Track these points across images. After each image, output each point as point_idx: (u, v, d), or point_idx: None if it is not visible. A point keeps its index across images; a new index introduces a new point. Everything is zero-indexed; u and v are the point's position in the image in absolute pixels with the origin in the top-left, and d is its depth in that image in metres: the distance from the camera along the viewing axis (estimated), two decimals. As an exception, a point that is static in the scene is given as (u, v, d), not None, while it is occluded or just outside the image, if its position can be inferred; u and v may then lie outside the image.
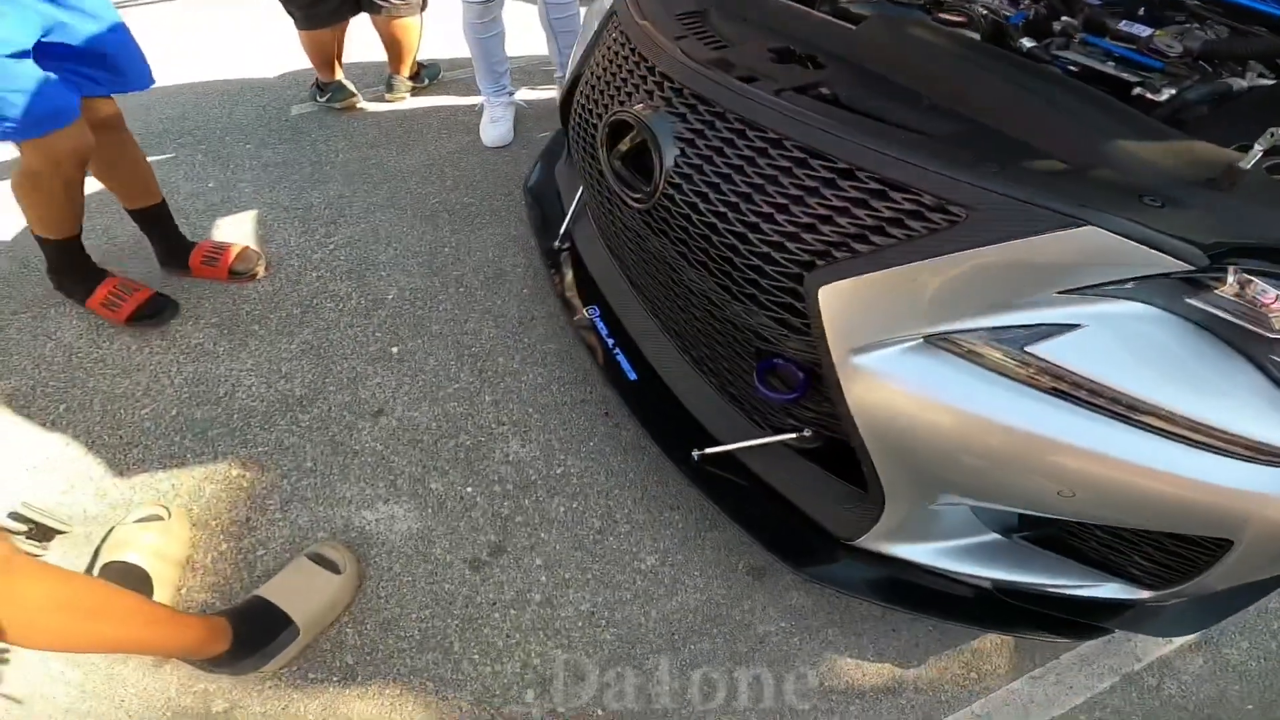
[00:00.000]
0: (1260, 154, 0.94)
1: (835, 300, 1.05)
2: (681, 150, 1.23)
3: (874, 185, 1.03)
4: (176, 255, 2.10)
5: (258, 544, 1.54)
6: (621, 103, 1.36)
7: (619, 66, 1.44)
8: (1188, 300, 0.95)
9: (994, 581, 1.30)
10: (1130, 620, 1.32)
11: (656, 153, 1.23)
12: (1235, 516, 0.96)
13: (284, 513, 1.59)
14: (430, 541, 1.56)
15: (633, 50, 1.41)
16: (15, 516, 1.48)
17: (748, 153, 1.15)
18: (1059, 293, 0.97)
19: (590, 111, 1.48)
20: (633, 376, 1.59)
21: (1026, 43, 1.39)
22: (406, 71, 3.10)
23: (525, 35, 3.17)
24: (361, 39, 3.11)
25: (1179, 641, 1.57)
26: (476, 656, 1.42)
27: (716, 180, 1.19)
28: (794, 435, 1.29)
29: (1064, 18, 1.49)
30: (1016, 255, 0.96)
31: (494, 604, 1.48)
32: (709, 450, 1.41)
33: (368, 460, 1.69)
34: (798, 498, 1.39)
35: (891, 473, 1.14)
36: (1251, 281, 0.91)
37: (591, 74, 1.51)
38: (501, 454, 1.71)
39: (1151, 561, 1.17)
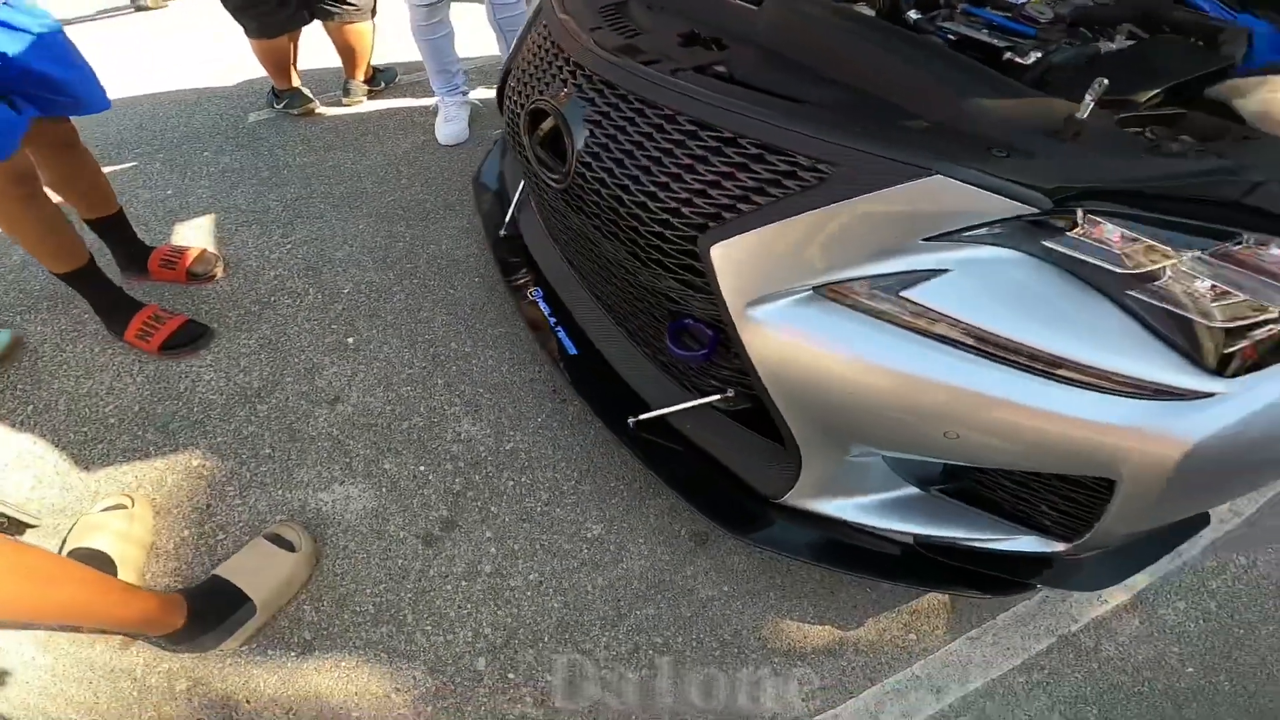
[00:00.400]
0: (1091, 104, 1.02)
1: (726, 257, 1.12)
2: (590, 132, 1.31)
3: (754, 150, 1.11)
4: (135, 260, 2.16)
5: (218, 528, 1.60)
6: (541, 92, 1.44)
7: (541, 58, 1.52)
8: (1043, 243, 1.02)
9: (915, 536, 1.36)
10: (1051, 576, 1.37)
11: (568, 135, 1.32)
12: (1109, 453, 1.02)
13: (243, 498, 1.66)
14: (384, 519, 1.63)
15: (552, 43, 1.50)
16: (-13, 511, 1.56)
17: (646, 129, 1.23)
18: (924, 240, 1.04)
19: (516, 102, 1.57)
20: (573, 351, 1.67)
21: (913, 15, 1.49)
22: (362, 76, 3.18)
23: (478, 35, 3.26)
24: (317, 45, 3.18)
25: (1114, 602, 1.62)
26: (429, 628, 1.48)
27: (620, 156, 1.27)
28: (718, 396, 1.37)
29: None
30: (877, 206, 1.03)
31: (446, 576, 1.55)
32: (643, 416, 1.48)
33: (324, 445, 1.76)
34: (728, 459, 1.47)
35: (799, 424, 1.21)
36: (1099, 223, 0.99)
37: (519, 66, 1.60)
38: (453, 433, 1.78)
39: (1057, 510, 1.23)
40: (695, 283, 1.20)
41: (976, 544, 1.32)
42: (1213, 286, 0.96)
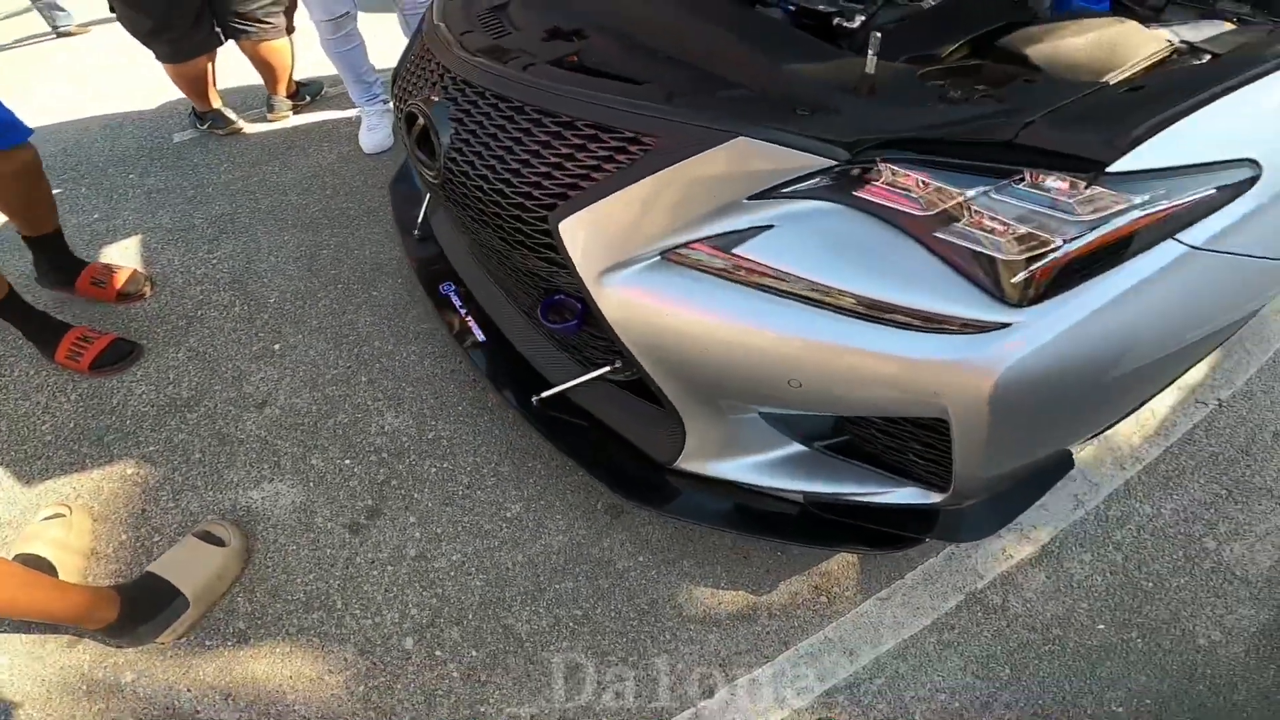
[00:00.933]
0: (874, 58, 1.15)
1: (575, 231, 1.23)
2: (455, 129, 1.43)
3: (589, 131, 1.23)
4: (63, 273, 2.24)
5: (153, 531, 1.71)
6: (416, 95, 1.57)
7: (418, 64, 1.65)
8: (854, 193, 1.11)
9: (805, 494, 1.44)
10: (937, 529, 1.44)
11: (435, 134, 1.43)
12: (930, 388, 1.10)
13: (176, 501, 1.76)
14: (312, 512, 1.74)
15: (426, 49, 1.62)
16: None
17: (500, 121, 1.35)
18: (748, 199, 1.14)
19: (398, 106, 1.69)
20: (482, 339, 1.79)
21: None
22: (285, 91, 3.27)
23: (398, 44, 3.30)
24: (242, 61, 3.21)
25: (1019, 556, 1.69)
26: (358, 611, 1.59)
27: (479, 148, 1.38)
28: (609, 368, 1.47)
29: None
30: (697, 171, 1.14)
31: (372, 562, 1.66)
32: (544, 394, 1.59)
33: (253, 447, 1.87)
34: (624, 429, 1.58)
35: (669, 385, 1.31)
36: (900, 171, 1.09)
37: (403, 73, 1.73)
38: (377, 427, 1.90)
39: (923, 459, 1.32)
40: (555, 259, 1.30)
41: (862, 498, 1.41)
42: (1002, 222, 1.05)
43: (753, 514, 1.51)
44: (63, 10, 4.62)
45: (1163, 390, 1.55)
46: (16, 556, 1.57)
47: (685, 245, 1.18)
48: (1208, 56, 1.30)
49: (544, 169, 1.28)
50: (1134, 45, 1.30)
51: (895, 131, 1.12)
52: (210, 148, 3.09)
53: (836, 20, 1.47)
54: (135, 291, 2.27)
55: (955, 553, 1.69)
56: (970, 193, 1.06)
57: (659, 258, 1.20)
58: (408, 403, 1.95)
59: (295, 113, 3.32)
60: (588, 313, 1.32)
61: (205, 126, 3.18)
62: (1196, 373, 2.14)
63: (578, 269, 1.24)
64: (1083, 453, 1.91)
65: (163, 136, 3.20)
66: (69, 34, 4.67)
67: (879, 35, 1.15)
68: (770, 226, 1.13)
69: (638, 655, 1.53)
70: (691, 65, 1.34)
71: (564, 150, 1.26)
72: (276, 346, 2.12)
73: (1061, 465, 1.50)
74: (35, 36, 4.39)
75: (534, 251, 1.35)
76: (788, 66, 1.27)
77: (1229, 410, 2.04)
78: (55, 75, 3.88)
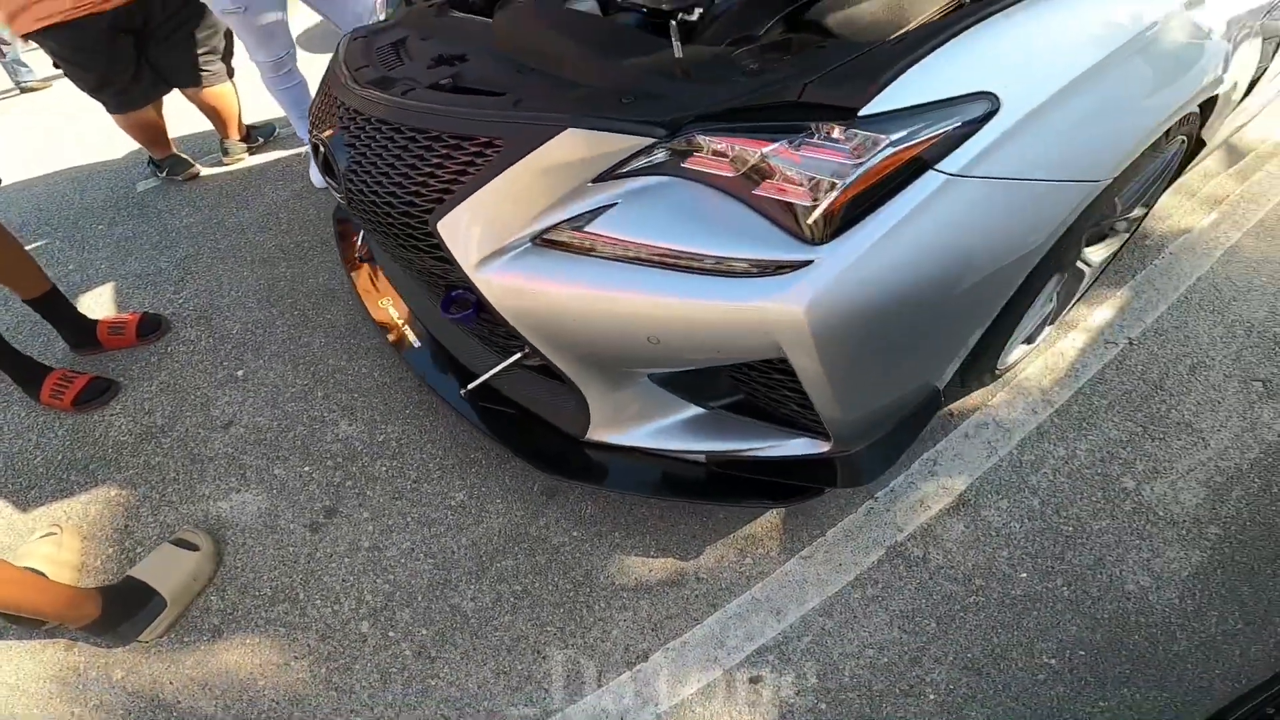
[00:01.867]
0: (679, 46, 1.36)
1: (453, 229, 1.41)
2: (349, 154, 1.64)
3: (453, 141, 1.43)
4: (83, 335, 2.47)
5: (135, 544, 1.96)
6: (319, 129, 1.80)
7: (322, 101, 1.89)
8: (682, 165, 1.28)
9: (706, 454, 1.60)
10: (834, 476, 1.57)
11: (333, 159, 1.66)
12: (760, 328, 1.24)
13: (155, 516, 2.01)
14: (275, 515, 1.98)
15: (325, 86, 1.89)
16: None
17: (383, 142, 1.56)
18: (592, 181, 1.31)
19: (310, 138, 1.94)
20: (417, 344, 2.02)
21: None
22: (236, 135, 3.56)
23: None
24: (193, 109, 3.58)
25: (936, 507, 1.78)
26: (319, 601, 1.81)
27: (369, 168, 1.58)
28: (519, 355, 1.64)
29: None
30: (540, 162, 1.32)
31: (330, 556, 1.88)
32: (470, 386, 1.79)
33: (221, 463, 2.12)
34: (541, 409, 1.76)
35: (561, 359, 1.48)
36: (713, 141, 1.25)
37: (313, 109, 1.97)
38: (333, 435, 2.15)
39: (798, 406, 1.45)
40: (443, 256, 1.47)
41: (760, 453, 1.55)
42: (797, 174, 1.19)
43: (667, 479, 1.66)
44: (25, 66, 4.92)
45: (991, 323, 1.61)
46: None
47: (547, 230, 1.35)
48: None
49: (420, 178, 1.48)
50: (923, 2, 1.47)
51: (705, 107, 1.28)
52: (172, 194, 3.39)
53: (680, 16, 1.63)
54: (153, 329, 2.51)
55: (874, 507, 1.81)
56: (766, 149, 1.22)
57: (530, 244, 1.38)
58: (360, 411, 2.19)
59: (250, 154, 3.62)
60: (480, 302, 1.48)
61: (164, 174, 3.46)
62: (1104, 313, 2.26)
63: (459, 263, 1.42)
64: (992, 400, 2.03)
65: (128, 186, 3.51)
66: (32, 89, 4.96)
67: (675, 24, 1.37)
68: (614, 204, 1.31)
69: (575, 624, 1.69)
70: (546, 73, 1.53)
71: (435, 160, 1.46)
72: (240, 373, 2.37)
73: (930, 403, 1.65)
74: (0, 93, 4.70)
75: (426, 252, 1.54)
76: (621, 63, 1.45)
77: (1140, 348, 2.15)
78: (20, 130, 4.19)
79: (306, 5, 3.01)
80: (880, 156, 1.19)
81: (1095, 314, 2.29)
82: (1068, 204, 1.45)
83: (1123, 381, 2.05)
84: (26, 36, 2.79)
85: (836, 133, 1.21)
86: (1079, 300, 2.29)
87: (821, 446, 1.51)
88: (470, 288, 1.46)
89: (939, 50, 1.25)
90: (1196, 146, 2.07)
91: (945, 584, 1.67)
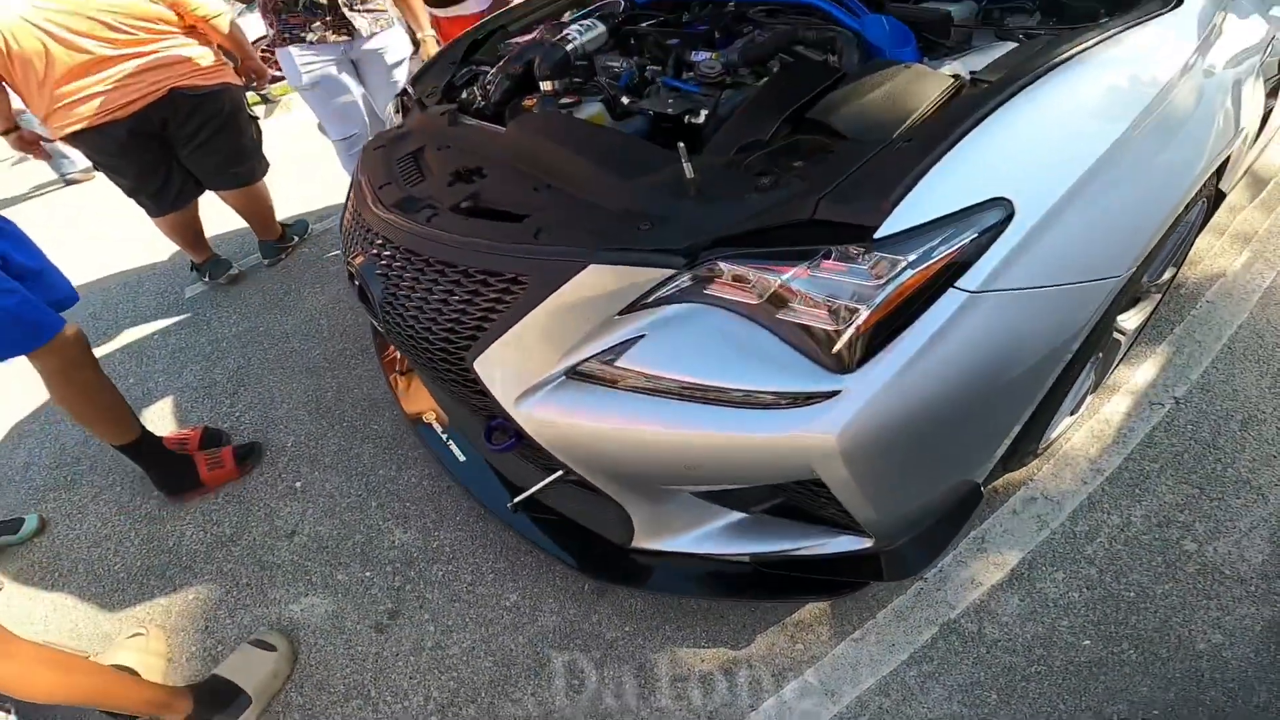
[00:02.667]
0: (690, 167, 1.42)
1: (488, 367, 1.51)
2: (383, 285, 1.76)
3: (480, 276, 1.54)
4: (185, 476, 2.71)
5: (216, 644, 2.29)
6: (351, 251, 1.96)
7: (351, 219, 2.06)
8: (705, 291, 1.35)
9: (752, 556, 1.67)
10: (879, 571, 1.65)
11: (368, 290, 1.78)
12: (796, 457, 1.32)
13: (232, 618, 2.35)
14: (342, 617, 2.29)
15: (353, 207, 2.05)
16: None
17: (414, 274, 1.68)
18: (618, 314, 1.40)
19: (345, 257, 2.06)
20: (462, 459, 2.28)
21: (625, 99, 2.00)
22: (274, 234, 3.99)
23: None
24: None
25: (989, 583, 1.87)
26: (389, 697, 2.07)
27: (404, 300, 1.69)
28: (560, 473, 1.75)
29: (651, 67, 2.13)
30: (566, 299, 1.41)
31: (396, 655, 2.17)
32: (516, 500, 1.96)
33: (288, 569, 2.47)
34: (586, 520, 1.89)
35: (602, 481, 1.59)
36: (732, 267, 1.33)
37: (344, 227, 2.16)
38: (389, 542, 2.48)
39: (838, 510, 1.48)
40: (482, 391, 1.57)
41: (803, 552, 1.63)
42: (819, 299, 1.27)
43: (712, 578, 1.77)
44: (67, 157, 5.38)
45: (1028, 416, 1.67)
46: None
47: (579, 364, 1.44)
48: (984, 86, 1.52)
49: (453, 314, 1.58)
50: (921, 90, 1.55)
51: (720, 230, 1.35)
52: (218, 300, 3.85)
53: (687, 119, 1.81)
54: (251, 455, 2.86)
55: (924, 587, 1.89)
56: (786, 276, 1.30)
57: (564, 378, 1.47)
58: (413, 519, 2.52)
59: (286, 255, 4.08)
60: (520, 433, 1.58)
61: (207, 278, 3.89)
62: (1146, 373, 2.35)
63: (498, 400, 1.52)
64: (1039, 474, 2.12)
65: (176, 290, 3.97)
66: (75, 180, 5.42)
67: (682, 145, 1.44)
68: (642, 336, 1.39)
69: (631, 716, 1.82)
70: (561, 191, 1.62)
71: (465, 296, 1.56)
72: (298, 484, 2.74)
73: (971, 497, 1.72)
74: (44, 186, 5.19)
75: (464, 387, 1.67)
76: (633, 181, 1.52)
77: (1187, 406, 2.22)
78: (68, 224, 4.70)
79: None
80: (900, 280, 1.26)
81: (1137, 374, 2.37)
82: (1094, 301, 1.52)
83: (1173, 443, 2.13)
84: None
85: (854, 255, 1.29)
86: (1119, 364, 2.37)
87: (864, 543, 1.59)
88: (510, 419, 1.57)
89: (947, 156, 1.33)
90: (1217, 199, 2.21)
91: (1004, 656, 1.73)
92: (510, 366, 1.52)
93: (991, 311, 1.32)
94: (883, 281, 1.25)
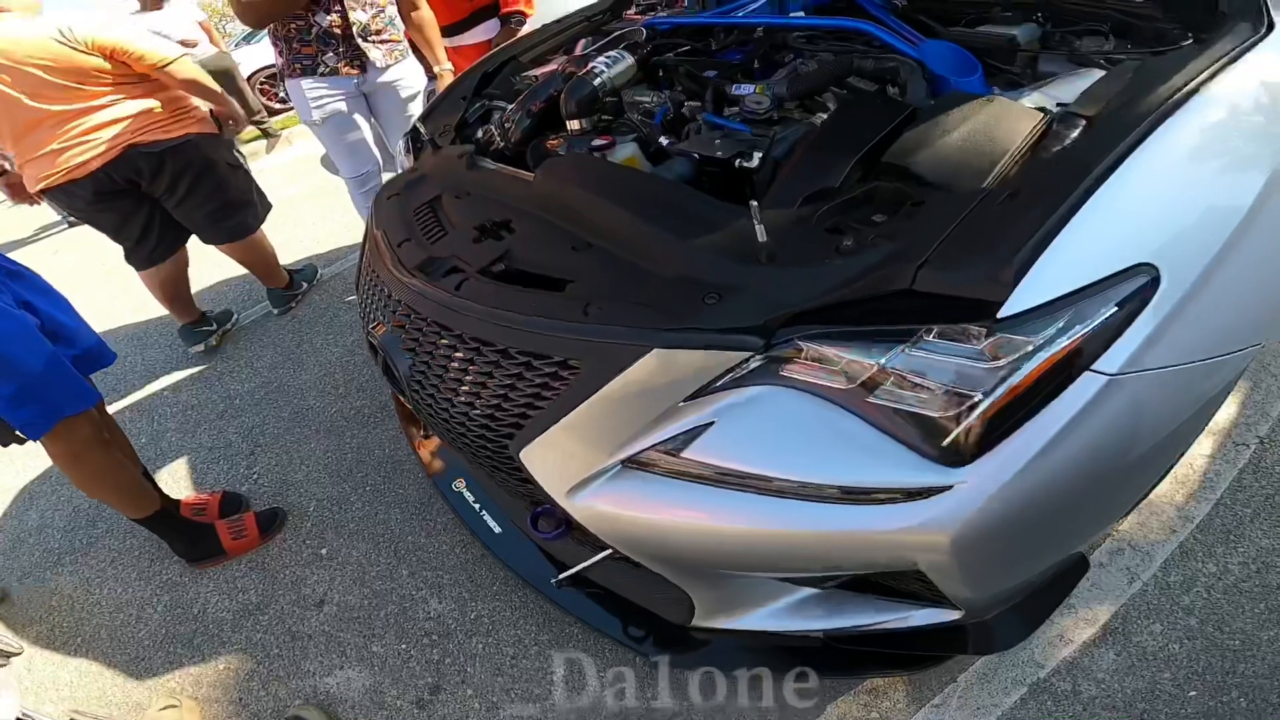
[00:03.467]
0: (762, 230, 1.31)
1: (537, 457, 1.45)
2: (411, 359, 1.68)
3: (524, 358, 1.46)
4: (206, 541, 2.73)
5: (252, 716, 2.27)
6: (370, 315, 1.90)
7: (367, 277, 1.97)
8: (781, 373, 1.25)
9: (824, 632, 1.61)
10: (964, 644, 1.58)
11: (392, 365, 1.70)
12: (894, 551, 1.26)
13: (266, 689, 2.32)
14: (381, 692, 2.25)
15: (370, 266, 1.94)
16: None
17: (446, 350, 1.59)
18: (684, 401, 1.32)
19: (363, 326, 1.98)
20: (498, 530, 2.26)
21: (664, 140, 1.92)
22: (279, 281, 4.01)
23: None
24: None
25: (1079, 640, 1.84)
26: None
27: (435, 379, 1.62)
28: (610, 551, 1.69)
29: (689, 102, 2.05)
30: (625, 388, 1.33)
31: None
32: (562, 576, 1.97)
33: (320, 640, 2.43)
34: (640, 599, 1.85)
35: (663, 566, 1.53)
36: (813, 346, 1.23)
37: (360, 283, 2.10)
38: (424, 613, 2.44)
39: (922, 583, 1.40)
40: (526, 479, 1.52)
41: (883, 627, 1.55)
42: (923, 383, 1.17)
43: (779, 653, 1.73)
44: None
45: (1151, 489, 1.67)
46: None
47: (640, 453, 1.38)
48: (1081, 122, 1.42)
49: (494, 399, 1.51)
50: (1009, 129, 1.46)
51: (799, 303, 1.25)
52: (229, 354, 3.85)
53: (738, 163, 1.70)
54: (275, 522, 2.87)
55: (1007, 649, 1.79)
56: (883, 360, 1.20)
57: (620, 467, 1.41)
58: (447, 589, 2.48)
59: (296, 303, 4.09)
60: (570, 521, 1.54)
61: (193, 346, 3.91)
62: (1224, 415, 2.31)
63: (547, 491, 1.47)
64: (1123, 526, 2.08)
65: (185, 345, 3.98)
66: (77, 223, 5.63)
67: (755, 204, 1.35)
68: (711, 423, 1.31)
69: None
70: (604, 251, 1.55)
71: (507, 379, 1.49)
72: (323, 551, 2.72)
73: (1077, 567, 1.65)
74: (48, 228, 5.36)
75: (508, 474, 1.63)
76: (691, 242, 1.43)
77: (1273, 445, 2.22)
78: (72, 271, 4.74)
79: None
80: (1030, 366, 1.15)
81: (1218, 415, 2.30)
82: (1237, 369, 1.45)
83: (1263, 485, 2.12)
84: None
85: (968, 335, 1.18)
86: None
87: (952, 615, 1.51)
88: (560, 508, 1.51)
89: (1080, 213, 1.21)
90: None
91: (1103, 713, 1.72)
92: (560, 457, 1.46)
93: (1132, 396, 1.22)
94: (1005, 366, 1.16)
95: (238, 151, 3.73)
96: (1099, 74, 1.68)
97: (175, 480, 3.26)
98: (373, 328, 1.84)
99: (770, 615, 1.64)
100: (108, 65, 3.06)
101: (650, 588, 1.77)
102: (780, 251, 1.35)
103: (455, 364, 1.62)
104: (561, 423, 1.44)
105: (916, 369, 1.20)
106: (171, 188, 3.36)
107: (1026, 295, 1.17)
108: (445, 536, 2.72)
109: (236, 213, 3.62)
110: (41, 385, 2.13)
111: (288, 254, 4.55)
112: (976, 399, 1.17)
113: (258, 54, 10.43)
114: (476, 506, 2.36)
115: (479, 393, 1.57)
